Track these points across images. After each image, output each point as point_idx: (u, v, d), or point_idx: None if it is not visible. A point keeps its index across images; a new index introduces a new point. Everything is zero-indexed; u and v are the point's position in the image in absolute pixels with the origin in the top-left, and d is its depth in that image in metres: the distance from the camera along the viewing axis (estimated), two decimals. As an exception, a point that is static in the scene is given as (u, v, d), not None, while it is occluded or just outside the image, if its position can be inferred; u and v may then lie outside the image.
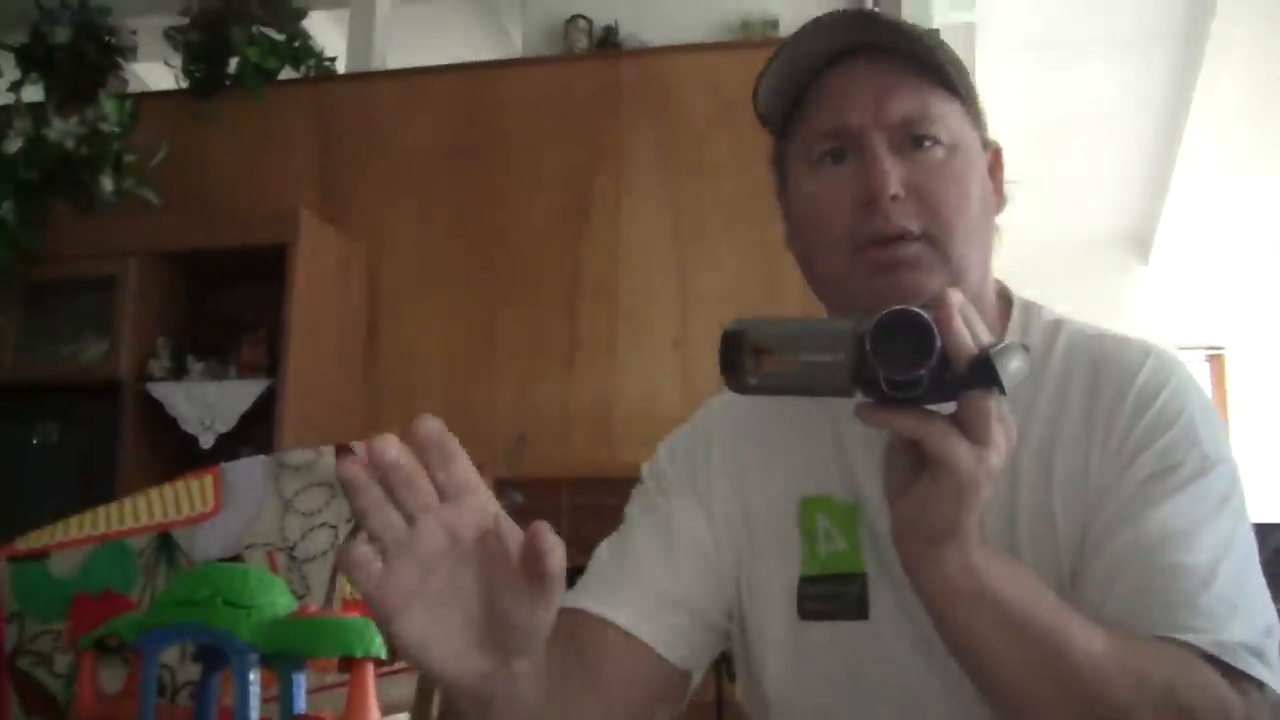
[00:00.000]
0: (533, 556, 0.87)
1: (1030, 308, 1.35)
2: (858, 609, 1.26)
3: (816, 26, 1.25)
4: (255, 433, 4.34)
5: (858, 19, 1.24)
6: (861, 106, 1.22)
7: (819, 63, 1.26)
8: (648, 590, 1.29)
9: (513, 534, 0.90)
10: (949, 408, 0.97)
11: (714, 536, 1.34)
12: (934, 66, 1.23)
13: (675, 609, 1.29)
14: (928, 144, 1.23)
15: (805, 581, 1.30)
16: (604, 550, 1.36)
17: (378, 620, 0.89)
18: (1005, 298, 1.36)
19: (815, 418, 1.34)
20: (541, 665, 0.98)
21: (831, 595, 1.28)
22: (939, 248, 1.21)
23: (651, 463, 1.42)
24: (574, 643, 1.23)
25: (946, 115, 1.24)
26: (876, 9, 1.26)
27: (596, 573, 1.33)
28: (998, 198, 1.33)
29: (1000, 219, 1.35)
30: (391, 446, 0.87)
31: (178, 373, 4.53)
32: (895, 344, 0.94)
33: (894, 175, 1.20)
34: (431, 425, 0.90)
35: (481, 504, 0.89)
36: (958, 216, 1.22)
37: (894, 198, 1.19)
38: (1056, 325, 1.32)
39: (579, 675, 1.20)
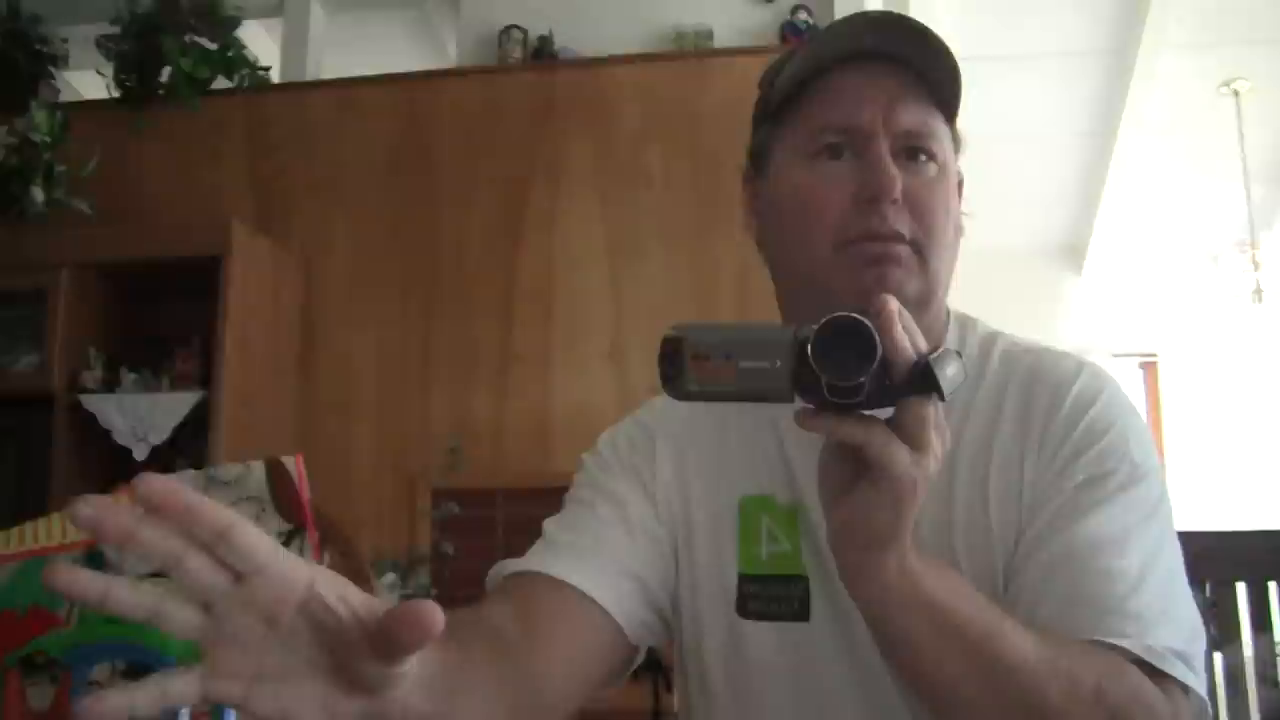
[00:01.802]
0: (397, 632, 0.78)
1: (966, 320, 1.38)
2: (800, 610, 1.29)
3: (851, 22, 1.28)
4: (190, 444, 4.30)
5: (894, 22, 1.27)
6: (874, 109, 1.25)
7: (830, 61, 1.28)
8: (607, 559, 1.30)
9: (337, 595, 0.82)
10: (886, 413, 0.99)
11: (661, 527, 1.36)
12: (942, 87, 1.26)
13: (632, 580, 1.31)
14: (923, 158, 1.27)
15: (746, 580, 1.32)
16: (553, 524, 1.36)
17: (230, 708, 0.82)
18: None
19: (757, 420, 1.36)
20: (432, 681, 0.93)
21: (775, 596, 1.30)
22: (922, 255, 1.24)
23: (593, 452, 1.44)
24: (522, 606, 1.23)
25: (942, 136, 1.29)
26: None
27: (551, 541, 1.33)
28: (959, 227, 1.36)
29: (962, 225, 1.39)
30: (83, 505, 0.75)
31: (111, 384, 4.49)
32: (837, 350, 0.95)
33: (898, 180, 1.23)
34: (152, 481, 0.77)
35: (285, 575, 0.80)
36: (940, 231, 1.26)
37: (894, 201, 1.22)
38: (992, 338, 1.36)
39: (521, 637, 1.19)
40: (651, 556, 1.34)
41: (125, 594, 0.79)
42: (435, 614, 0.77)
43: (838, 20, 1.29)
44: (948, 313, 1.38)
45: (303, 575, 0.81)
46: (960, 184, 1.36)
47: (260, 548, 0.79)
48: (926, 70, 1.26)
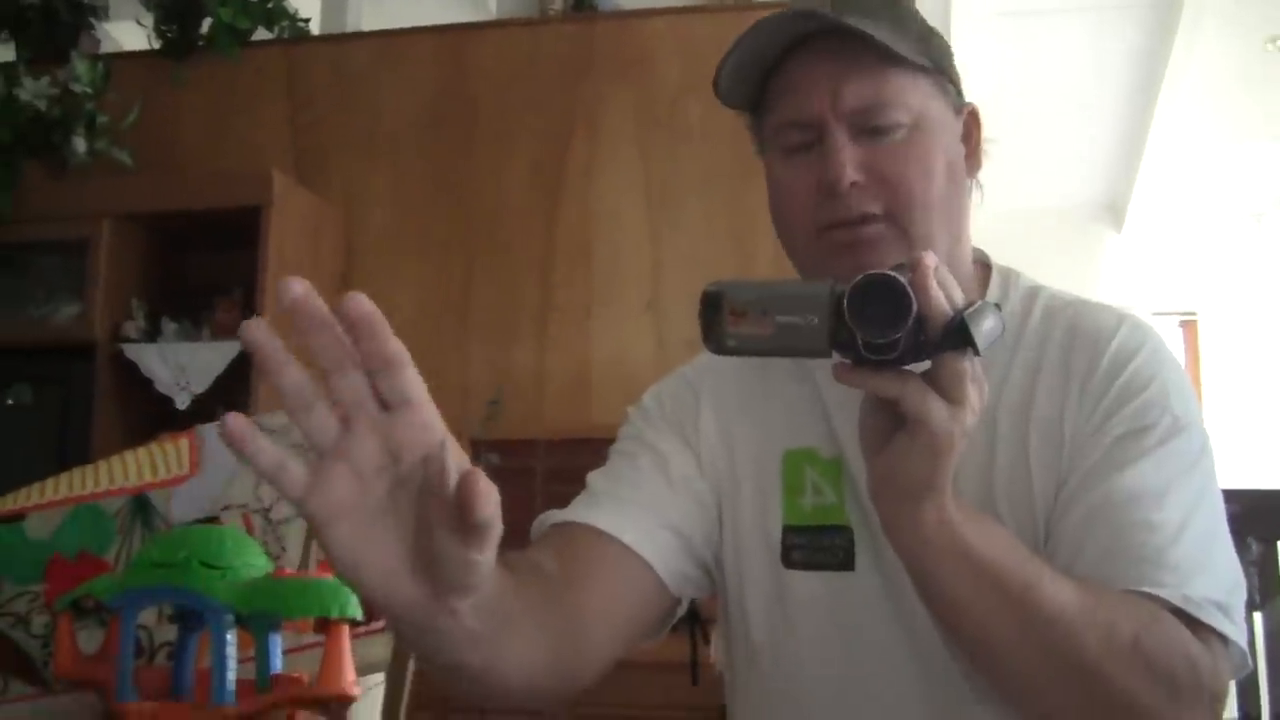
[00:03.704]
0: (463, 503, 0.79)
1: (1009, 274, 1.39)
2: (845, 560, 1.30)
3: (772, 17, 1.27)
4: (230, 394, 4.33)
5: (802, 14, 1.27)
6: (818, 97, 1.26)
7: (777, 50, 1.29)
8: (649, 511, 1.31)
9: (457, 466, 0.82)
10: (923, 366, 1.00)
11: (704, 481, 1.37)
12: (892, 48, 1.25)
13: (674, 534, 1.32)
14: (887, 128, 1.26)
15: (790, 531, 1.33)
16: (598, 477, 1.37)
17: (312, 527, 0.83)
18: (984, 264, 1.39)
19: (798, 376, 1.38)
20: (486, 602, 0.92)
21: (819, 546, 1.32)
22: (900, 226, 1.24)
23: (638, 406, 1.45)
24: (566, 552, 1.25)
25: (907, 94, 1.27)
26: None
27: (596, 493, 1.35)
28: (973, 161, 1.35)
29: (986, 151, 1.37)
30: (296, 284, 0.79)
31: (152, 334, 4.51)
32: (872, 306, 0.96)
33: (851, 163, 1.23)
34: (361, 301, 0.80)
35: (426, 422, 0.82)
36: (920, 194, 1.25)
37: (853, 184, 1.23)
38: (1034, 291, 1.36)
39: (563, 585, 1.20)
40: (693, 509, 1.35)
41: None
42: (491, 489, 0.78)
43: (765, 17, 1.28)
44: (990, 267, 1.38)
45: (439, 430, 0.83)
46: (974, 115, 1.36)
47: (417, 386, 0.82)
48: (869, 38, 1.24)
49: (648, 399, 1.45)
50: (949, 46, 1.35)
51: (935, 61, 1.30)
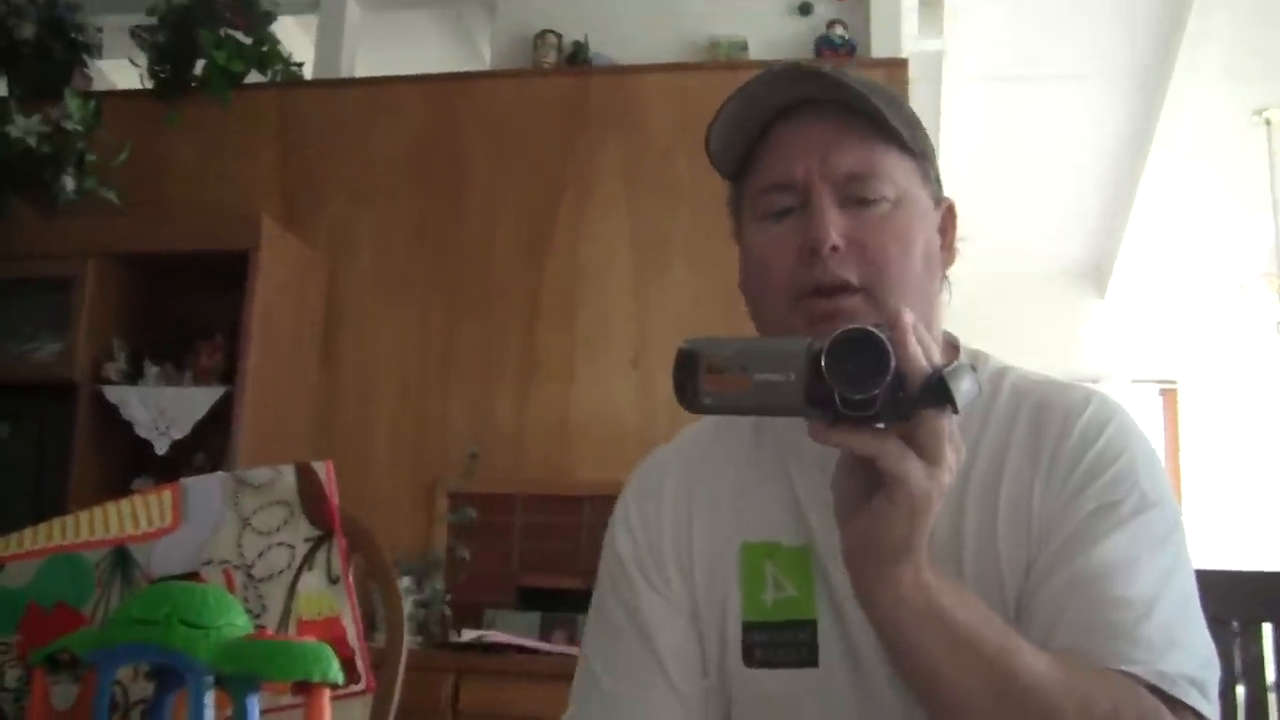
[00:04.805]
0: None
1: (977, 355, 1.39)
2: (808, 656, 1.28)
3: (763, 80, 1.29)
4: (210, 440, 4.31)
5: (803, 73, 1.28)
6: (807, 160, 1.26)
7: (768, 114, 1.30)
8: (657, 706, 1.32)
9: None
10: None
11: (680, 617, 1.35)
12: (881, 123, 1.26)
13: (683, 707, 1.32)
14: (873, 200, 1.26)
15: (752, 628, 1.31)
16: (595, 659, 1.38)
17: None
18: (953, 346, 1.39)
19: (765, 464, 1.36)
20: None
21: (781, 643, 1.29)
22: (877, 300, 1.24)
23: (611, 543, 1.43)
24: None
25: (894, 171, 1.28)
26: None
27: (600, 692, 1.35)
28: (948, 254, 1.36)
29: (958, 249, 1.38)
30: None
31: (133, 376, 4.50)
32: (850, 362, 0.96)
33: (834, 228, 1.23)
34: None
35: None
36: (898, 270, 1.26)
37: (834, 249, 1.23)
38: (1002, 371, 1.36)
39: None
40: (689, 667, 1.34)
41: None
42: None
43: (756, 76, 1.29)
44: (958, 348, 1.38)
45: None
46: (950, 210, 1.37)
47: None
48: (861, 109, 1.26)
49: (619, 534, 1.42)
50: (931, 141, 1.36)
51: (921, 149, 1.32)
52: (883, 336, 0.96)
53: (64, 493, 4.17)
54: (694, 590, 1.35)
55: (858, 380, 0.96)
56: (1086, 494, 1.21)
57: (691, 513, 1.38)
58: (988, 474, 1.26)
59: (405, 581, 3.95)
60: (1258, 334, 7.46)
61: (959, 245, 1.39)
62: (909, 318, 0.99)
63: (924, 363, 0.98)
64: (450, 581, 4.28)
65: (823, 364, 0.96)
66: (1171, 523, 1.23)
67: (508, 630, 4.01)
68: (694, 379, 1.01)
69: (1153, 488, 1.23)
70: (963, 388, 0.98)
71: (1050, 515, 1.22)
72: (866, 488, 1.02)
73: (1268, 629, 1.82)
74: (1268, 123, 6.44)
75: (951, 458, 1.01)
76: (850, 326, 0.97)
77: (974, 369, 1.01)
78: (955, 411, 0.98)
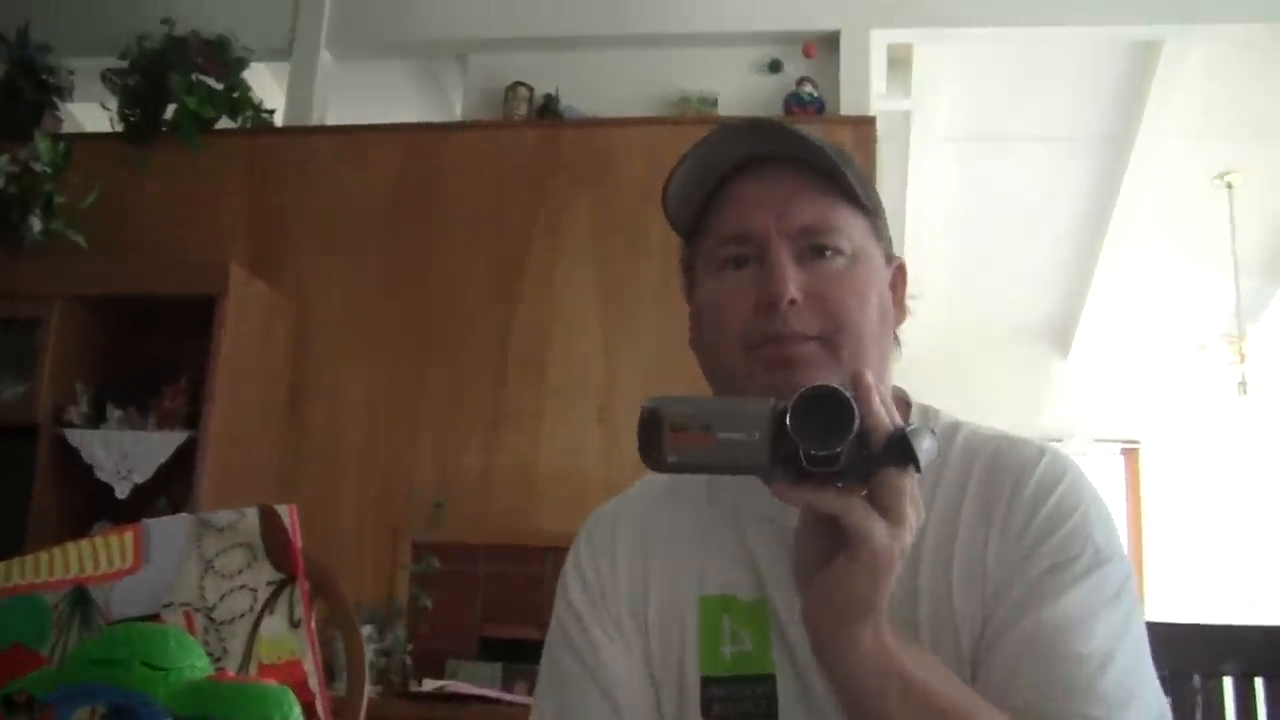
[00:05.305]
0: None
1: (928, 410, 1.39)
2: (767, 710, 1.27)
3: (722, 134, 1.30)
4: (173, 485, 4.28)
5: (761, 128, 1.29)
6: (764, 214, 1.27)
7: (726, 169, 1.31)
8: None
9: None
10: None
11: (639, 670, 1.35)
12: (838, 179, 1.27)
13: None
14: (829, 253, 1.27)
15: (710, 682, 1.31)
16: (548, 713, 1.36)
17: None
18: (905, 401, 1.39)
19: (721, 518, 1.36)
20: None
21: (740, 697, 1.29)
22: (833, 350, 1.25)
23: (565, 590, 1.42)
24: None
25: (849, 227, 1.29)
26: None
27: None
28: (899, 311, 1.37)
29: (921, 307, 1.40)
30: None
31: (96, 420, 4.46)
32: (815, 418, 0.97)
33: (792, 281, 1.24)
34: None
35: None
36: (855, 322, 1.26)
37: (792, 302, 1.24)
38: (955, 426, 1.36)
39: None
40: (645, 717, 1.33)
41: None
42: None
43: (716, 129, 1.30)
44: (909, 404, 1.39)
45: None
46: (901, 269, 1.38)
47: None
48: (818, 165, 1.27)
49: (572, 583, 1.41)
50: (881, 199, 1.37)
51: (874, 206, 1.33)
52: (847, 394, 0.97)
53: (23, 536, 4.12)
54: (649, 642, 1.34)
55: (822, 436, 0.96)
56: (1040, 551, 1.22)
57: (646, 564, 1.37)
58: (941, 531, 1.26)
59: (367, 630, 3.92)
60: (1218, 395, 7.53)
61: (909, 303, 1.40)
62: (869, 377, 1.01)
63: (887, 421, 0.99)
64: (412, 631, 4.25)
65: (788, 421, 0.97)
66: (1124, 577, 1.23)
67: (470, 680, 3.99)
68: (658, 438, 1.01)
69: (1106, 543, 1.23)
70: (924, 446, 0.99)
71: (1005, 573, 1.22)
72: (828, 548, 1.03)
73: (1228, 682, 1.83)
74: (1229, 186, 6.53)
75: (912, 517, 1.02)
76: (814, 385, 0.98)
77: (933, 430, 1.02)
78: (918, 470, 1.00)
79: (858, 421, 0.97)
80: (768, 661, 1.28)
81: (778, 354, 1.24)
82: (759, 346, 1.25)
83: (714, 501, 1.36)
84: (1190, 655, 1.81)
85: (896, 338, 1.36)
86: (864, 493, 1.01)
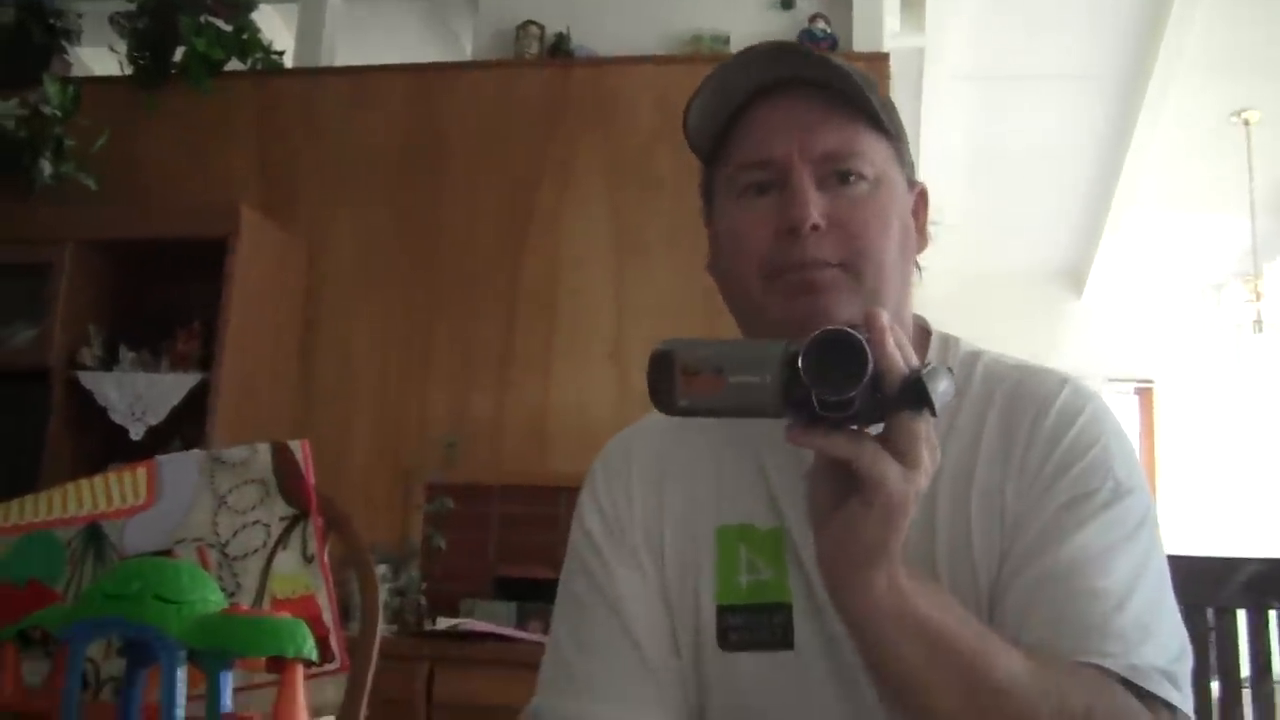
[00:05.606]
0: None
1: (948, 340, 1.37)
2: (783, 638, 1.27)
3: (745, 58, 1.27)
4: (186, 427, 4.29)
5: (785, 52, 1.27)
6: (786, 139, 1.25)
7: (747, 95, 1.28)
8: (630, 685, 1.30)
9: None
10: (876, 428, 0.99)
11: (651, 592, 1.34)
12: (861, 103, 1.25)
13: (656, 687, 1.30)
14: (852, 179, 1.25)
15: (726, 611, 1.30)
16: (566, 639, 1.35)
17: None
18: (925, 330, 1.38)
19: (737, 446, 1.34)
20: None
21: (757, 626, 1.28)
22: (855, 275, 1.23)
23: (581, 519, 1.41)
24: None
25: (872, 151, 1.27)
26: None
27: (571, 673, 1.33)
28: (920, 238, 1.35)
29: (934, 250, 1.37)
30: None
31: (109, 362, 4.48)
32: (827, 363, 0.95)
33: (815, 207, 1.22)
34: None
35: None
36: (877, 248, 1.24)
37: (814, 228, 1.21)
38: (975, 356, 1.34)
39: None
40: (661, 644, 1.32)
41: None
42: None
43: (739, 53, 1.28)
44: (930, 332, 1.37)
45: None
46: (923, 195, 1.36)
47: None
48: (845, 90, 1.25)
49: (588, 512, 1.40)
50: (903, 124, 1.35)
51: (896, 131, 1.31)
52: (860, 337, 0.95)
53: (37, 478, 4.14)
54: (665, 572, 1.33)
55: (835, 381, 0.95)
56: (1059, 485, 1.20)
57: (662, 495, 1.36)
58: (960, 463, 1.25)
59: (382, 570, 3.93)
60: (1233, 334, 7.50)
61: (930, 230, 1.38)
62: (885, 318, 0.99)
63: (901, 364, 0.97)
64: (426, 571, 4.27)
65: (800, 365, 0.95)
66: (1144, 512, 1.22)
67: (485, 619, 4.01)
68: (669, 381, 0.99)
69: (1127, 476, 1.22)
70: (939, 389, 0.97)
71: (1024, 507, 1.21)
72: (842, 490, 1.01)
73: (1242, 615, 1.83)
74: (1246, 123, 6.47)
75: (928, 460, 1.00)
76: (827, 328, 0.96)
77: (950, 369, 1.01)
78: (933, 414, 0.98)
79: (871, 367, 0.95)
80: (784, 590, 1.28)
81: (799, 279, 1.22)
82: (780, 273, 1.23)
83: (730, 429, 1.35)
84: (1204, 589, 1.80)
85: (918, 264, 1.35)
86: (879, 435, 0.99)
